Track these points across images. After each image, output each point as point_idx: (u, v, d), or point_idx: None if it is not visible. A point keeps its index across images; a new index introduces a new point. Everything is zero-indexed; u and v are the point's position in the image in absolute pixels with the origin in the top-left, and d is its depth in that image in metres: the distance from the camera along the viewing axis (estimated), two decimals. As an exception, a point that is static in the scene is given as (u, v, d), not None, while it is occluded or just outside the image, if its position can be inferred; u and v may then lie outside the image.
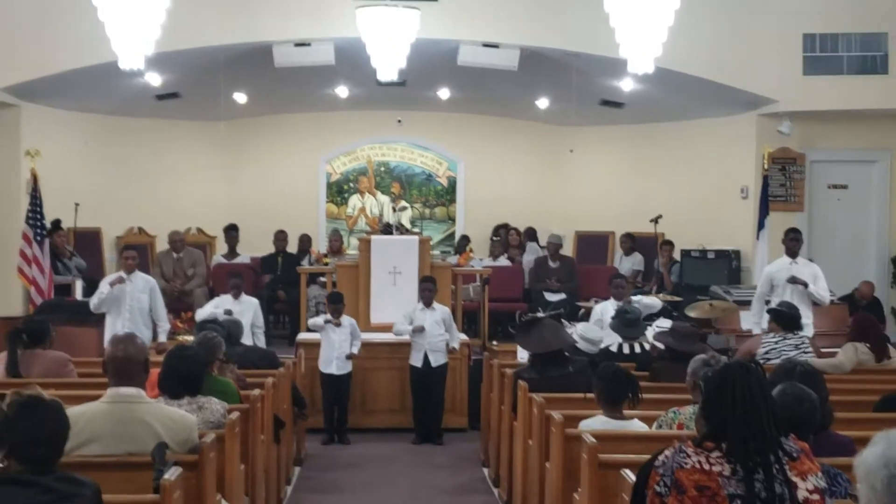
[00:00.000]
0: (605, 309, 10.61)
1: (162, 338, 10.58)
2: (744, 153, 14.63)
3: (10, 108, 13.60)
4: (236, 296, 11.37)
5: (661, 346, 8.50)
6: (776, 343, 9.01)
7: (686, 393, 6.22)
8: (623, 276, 11.55)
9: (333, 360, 10.65)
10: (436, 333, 10.66)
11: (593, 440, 5.28)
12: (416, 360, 10.68)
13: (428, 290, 10.78)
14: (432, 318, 10.68)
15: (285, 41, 13.30)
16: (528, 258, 15.17)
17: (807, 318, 10.32)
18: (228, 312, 10.42)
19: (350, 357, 10.67)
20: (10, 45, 12.99)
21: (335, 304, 10.77)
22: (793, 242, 11.12)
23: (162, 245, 15.23)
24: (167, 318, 10.91)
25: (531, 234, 16.10)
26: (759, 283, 11.27)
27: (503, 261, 15.08)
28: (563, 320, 9.42)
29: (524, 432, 7.33)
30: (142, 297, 10.60)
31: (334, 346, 10.66)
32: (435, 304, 10.78)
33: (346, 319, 10.74)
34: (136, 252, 11.10)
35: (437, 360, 10.67)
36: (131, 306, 10.52)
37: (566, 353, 8.03)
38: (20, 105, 13.69)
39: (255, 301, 11.52)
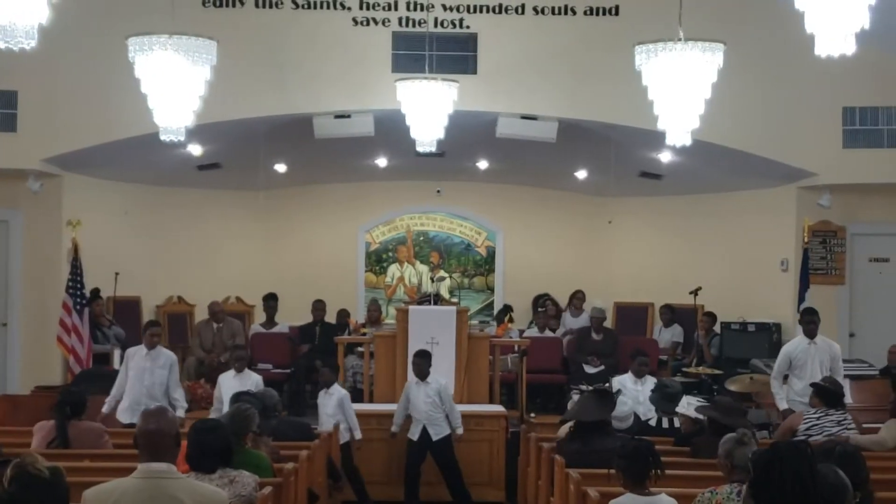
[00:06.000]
0: (623, 382, 10.61)
1: (179, 413, 10.12)
2: (784, 225, 14.55)
3: (53, 178, 13.79)
4: (240, 369, 10.70)
5: (702, 418, 8.40)
6: (818, 419, 8.89)
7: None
8: (646, 355, 11.31)
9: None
10: (426, 409, 10.50)
11: (628, 520, 5.19)
12: (413, 434, 10.54)
13: (417, 365, 10.65)
14: (424, 393, 10.55)
15: (325, 113, 13.44)
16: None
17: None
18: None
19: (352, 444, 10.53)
20: (53, 116, 13.23)
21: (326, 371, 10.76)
22: (810, 326, 10.92)
23: (201, 314, 15.29)
24: (183, 396, 10.66)
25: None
26: (777, 362, 11.07)
27: (549, 333, 15.04)
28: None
29: (560, 508, 7.23)
30: (162, 372, 10.47)
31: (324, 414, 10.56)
32: (430, 379, 10.61)
33: (336, 389, 10.62)
34: (160, 328, 11.01)
35: (437, 432, 10.50)
36: (151, 382, 10.38)
37: (609, 427, 7.99)
38: (62, 175, 13.88)
39: (257, 377, 10.79)
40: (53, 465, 3.58)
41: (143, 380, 10.37)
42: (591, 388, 10.88)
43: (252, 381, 10.62)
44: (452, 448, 10.62)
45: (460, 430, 10.59)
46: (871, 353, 12.80)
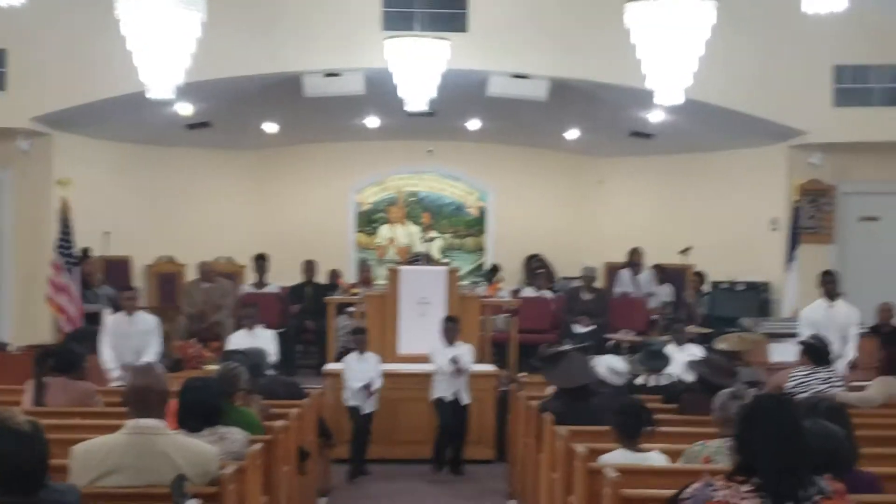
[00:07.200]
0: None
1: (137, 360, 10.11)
2: (774, 185, 14.56)
3: (42, 137, 13.74)
4: (250, 327, 11.06)
5: (690, 376, 8.44)
6: (805, 376, 8.89)
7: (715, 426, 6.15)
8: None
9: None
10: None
11: (615, 474, 5.22)
12: (446, 394, 10.38)
13: (449, 329, 10.55)
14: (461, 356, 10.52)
15: (315, 71, 13.37)
16: None
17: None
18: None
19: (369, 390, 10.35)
20: (41, 75, 13.15)
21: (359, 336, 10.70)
22: (829, 286, 11.16)
23: (192, 274, 15.28)
24: (156, 354, 10.56)
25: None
26: (801, 328, 11.09)
27: (546, 293, 15.00)
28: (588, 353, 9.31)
29: (548, 465, 7.26)
30: (143, 336, 10.55)
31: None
32: (458, 343, 10.55)
33: (371, 355, 10.59)
34: (135, 292, 11.15)
35: (465, 398, 10.43)
36: (134, 346, 10.44)
37: (591, 388, 7.98)
38: (52, 134, 13.83)
39: (269, 333, 11.14)
40: (33, 420, 3.58)
41: (129, 343, 10.43)
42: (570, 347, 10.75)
43: (265, 337, 10.82)
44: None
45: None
46: (861, 311, 12.81)
